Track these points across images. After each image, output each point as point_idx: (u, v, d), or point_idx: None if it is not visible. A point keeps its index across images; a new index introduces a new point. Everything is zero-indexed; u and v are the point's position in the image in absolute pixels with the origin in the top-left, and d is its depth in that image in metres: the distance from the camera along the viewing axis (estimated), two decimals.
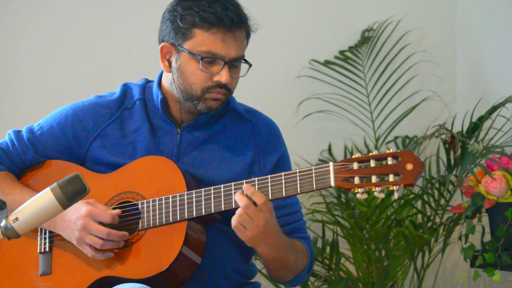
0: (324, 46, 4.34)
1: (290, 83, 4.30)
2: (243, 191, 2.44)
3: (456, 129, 4.02)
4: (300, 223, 2.69)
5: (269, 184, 2.43)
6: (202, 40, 2.54)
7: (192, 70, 2.56)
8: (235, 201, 2.44)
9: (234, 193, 2.46)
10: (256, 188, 2.44)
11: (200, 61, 2.54)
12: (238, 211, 2.43)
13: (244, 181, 2.46)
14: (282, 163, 2.69)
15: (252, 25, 2.61)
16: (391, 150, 2.35)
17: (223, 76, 2.54)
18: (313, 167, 2.40)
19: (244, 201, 2.42)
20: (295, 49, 4.33)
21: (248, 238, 2.44)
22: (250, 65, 2.61)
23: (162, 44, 2.61)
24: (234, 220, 2.43)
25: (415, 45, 4.34)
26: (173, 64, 2.60)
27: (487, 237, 3.60)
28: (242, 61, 2.59)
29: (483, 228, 3.60)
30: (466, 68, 4.35)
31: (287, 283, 2.68)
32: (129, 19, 4.10)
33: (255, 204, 2.42)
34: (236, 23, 2.53)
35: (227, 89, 2.58)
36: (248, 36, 2.61)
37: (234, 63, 2.57)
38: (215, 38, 2.53)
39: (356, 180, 2.35)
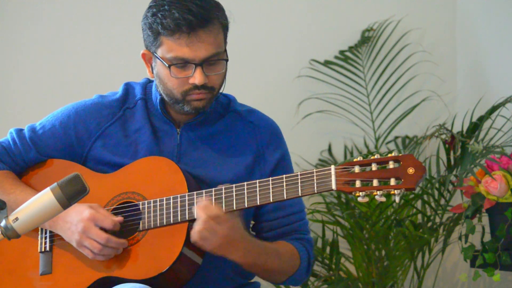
0: (324, 46, 4.34)
1: (290, 83, 4.30)
2: (204, 204, 2.43)
3: (456, 129, 4.02)
4: (299, 224, 2.68)
5: (270, 186, 2.43)
6: (169, 47, 2.52)
7: (167, 76, 2.55)
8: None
9: (236, 195, 2.46)
10: (258, 190, 2.44)
11: (169, 68, 2.53)
12: (196, 225, 2.42)
13: (245, 183, 2.46)
14: (282, 163, 2.69)
15: (227, 16, 2.56)
16: (393, 154, 2.34)
17: (196, 78, 2.52)
18: (314, 170, 2.39)
19: (202, 215, 2.42)
20: (295, 49, 4.33)
21: (210, 249, 2.45)
22: (227, 60, 2.57)
23: (143, 50, 2.61)
24: (193, 234, 2.43)
25: (415, 45, 4.35)
26: (153, 70, 2.61)
27: (487, 237, 3.60)
28: (217, 58, 2.54)
29: (483, 228, 3.60)
30: (466, 68, 4.35)
31: (283, 283, 2.68)
32: (131, 18, 4.10)
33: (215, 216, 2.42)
34: (197, 25, 2.49)
35: (208, 88, 2.56)
36: (224, 28, 2.56)
37: (208, 62, 2.54)
38: (180, 44, 2.50)
39: (358, 183, 2.35)
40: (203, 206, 2.42)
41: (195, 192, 2.50)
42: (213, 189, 2.49)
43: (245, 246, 2.48)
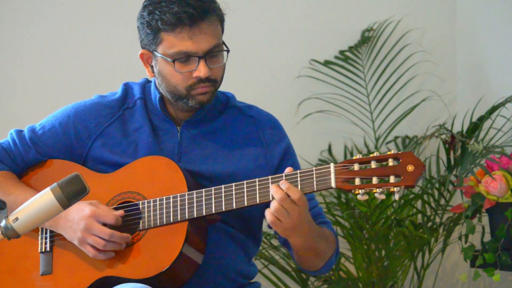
0: (324, 46, 4.34)
1: (290, 83, 4.30)
2: (278, 184, 2.41)
3: (456, 129, 4.03)
4: (317, 209, 2.69)
5: (270, 185, 2.43)
6: (170, 42, 2.53)
7: (170, 72, 2.56)
8: (268, 195, 2.42)
9: (235, 193, 2.47)
10: (257, 189, 2.45)
11: (173, 64, 2.54)
12: (273, 204, 2.41)
13: (244, 182, 2.46)
14: (288, 154, 2.70)
15: (223, 8, 2.58)
16: (392, 151, 2.34)
17: (201, 71, 2.53)
18: (313, 168, 2.40)
19: (280, 194, 2.40)
20: (295, 49, 4.33)
21: (283, 230, 2.43)
22: (228, 51, 2.59)
23: (140, 51, 2.61)
24: (269, 214, 2.42)
25: (415, 45, 4.35)
26: (154, 69, 2.61)
27: (487, 237, 3.60)
28: (218, 49, 2.56)
29: (483, 228, 3.60)
30: (466, 68, 4.36)
31: (318, 272, 2.66)
32: (131, 18, 4.10)
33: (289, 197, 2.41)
34: (199, 17, 2.51)
35: (212, 80, 2.56)
36: (221, 21, 2.57)
37: (210, 54, 2.55)
38: (182, 38, 2.52)
39: (357, 181, 2.35)
40: (284, 186, 2.41)
41: (194, 191, 2.50)
42: (213, 188, 2.49)
43: (309, 229, 2.48)
